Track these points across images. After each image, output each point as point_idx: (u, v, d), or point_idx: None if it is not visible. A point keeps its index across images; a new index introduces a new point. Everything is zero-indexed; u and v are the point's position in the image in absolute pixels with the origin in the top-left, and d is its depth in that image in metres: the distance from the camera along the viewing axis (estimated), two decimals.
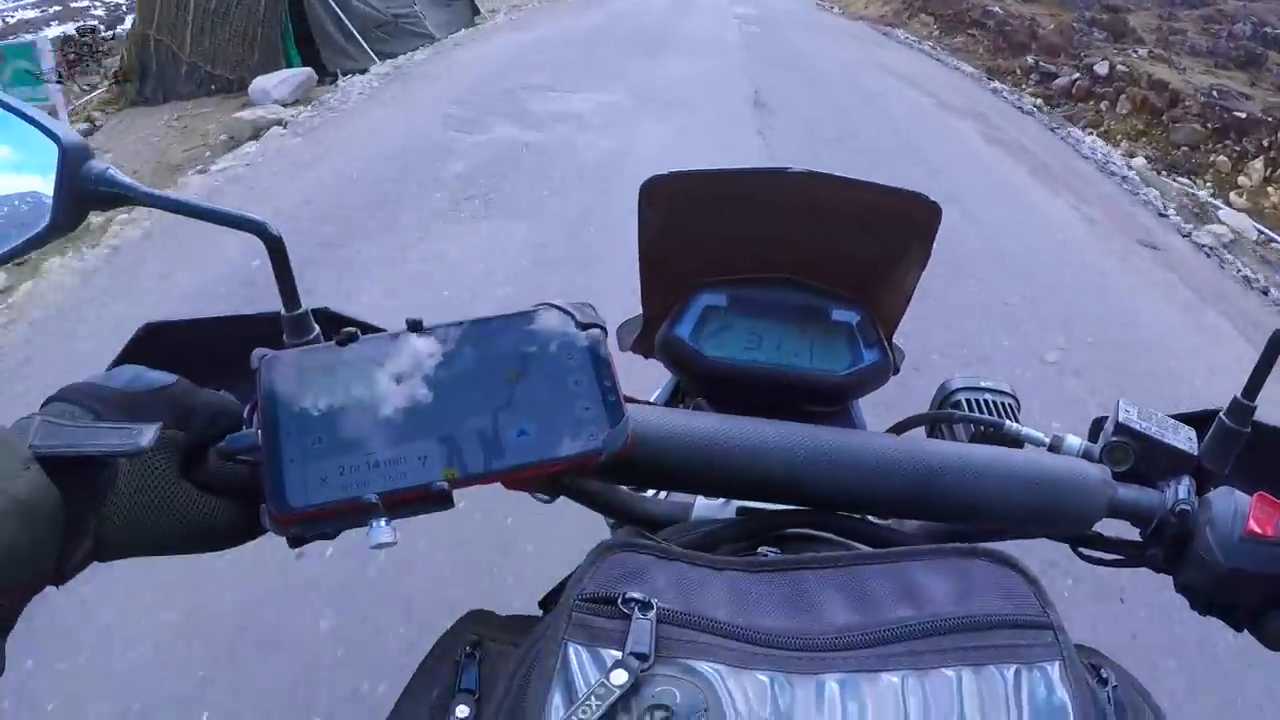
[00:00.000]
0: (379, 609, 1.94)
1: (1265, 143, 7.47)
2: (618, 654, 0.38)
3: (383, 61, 7.52)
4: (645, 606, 0.40)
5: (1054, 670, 0.39)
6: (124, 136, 6.83)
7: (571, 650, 0.39)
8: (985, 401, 0.72)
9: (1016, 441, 0.64)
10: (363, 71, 7.34)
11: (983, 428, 0.67)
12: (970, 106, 7.98)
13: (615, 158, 5.12)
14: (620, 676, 0.37)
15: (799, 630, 0.41)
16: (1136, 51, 10.65)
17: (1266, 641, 0.55)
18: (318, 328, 0.52)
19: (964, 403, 0.72)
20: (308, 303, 0.52)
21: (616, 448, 0.45)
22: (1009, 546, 0.51)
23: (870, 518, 0.61)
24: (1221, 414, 0.59)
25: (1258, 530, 0.52)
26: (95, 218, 3.68)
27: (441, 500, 0.42)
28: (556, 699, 0.37)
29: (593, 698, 0.36)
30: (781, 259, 0.67)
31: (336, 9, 7.55)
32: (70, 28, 12.70)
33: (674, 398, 0.94)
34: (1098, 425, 0.65)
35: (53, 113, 5.54)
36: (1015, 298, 3.95)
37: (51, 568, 0.37)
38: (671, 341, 0.68)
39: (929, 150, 6.23)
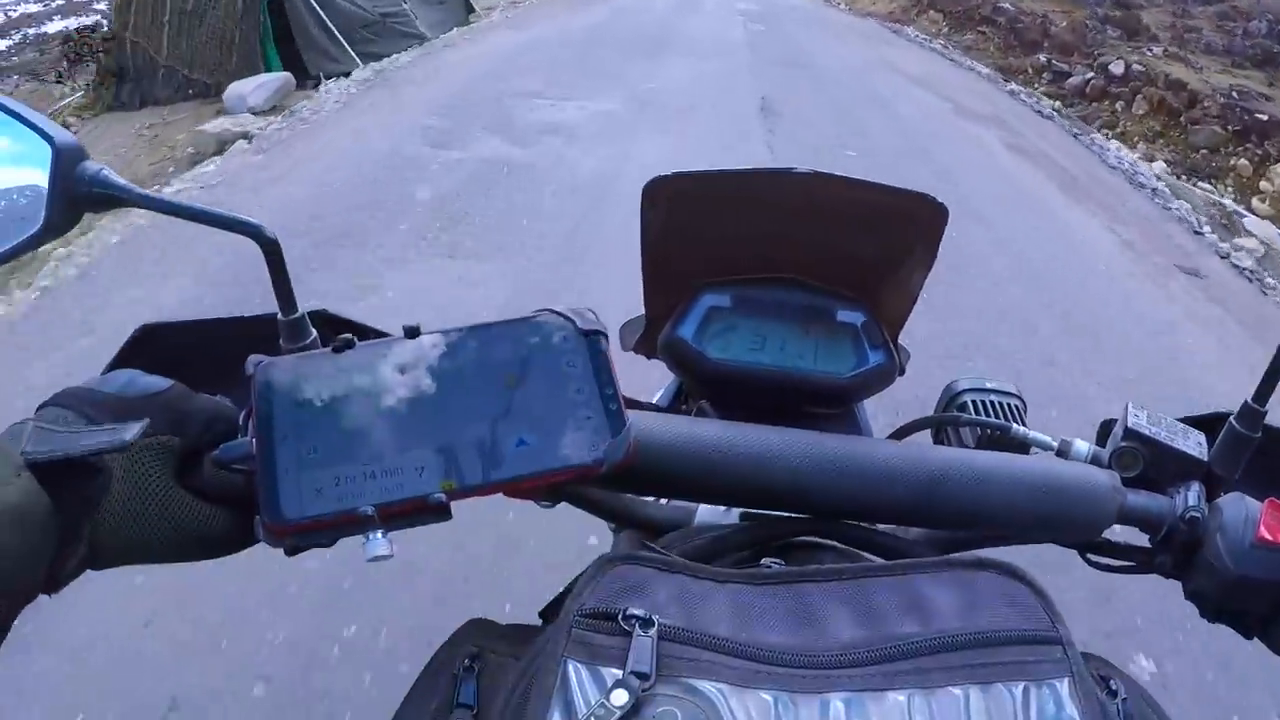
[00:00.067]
0: None
1: None
2: (618, 673, 0.36)
3: (367, 65, 6.85)
4: (646, 623, 0.38)
5: (1063, 687, 0.37)
6: (94, 146, 6.18)
7: (571, 668, 0.37)
8: (991, 403, 0.70)
9: (1023, 445, 0.62)
10: (346, 74, 6.68)
11: (989, 431, 0.65)
12: (989, 111, 7.31)
13: (606, 181, 4.46)
14: (621, 697, 0.35)
15: (803, 647, 0.39)
16: (1151, 50, 10.36)
17: (1277, 649, 0.53)
18: (315, 332, 0.51)
19: (970, 404, 0.70)
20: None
21: (618, 458, 0.42)
22: (1012, 551, 0.56)
23: (875, 525, 0.57)
24: (1232, 419, 0.57)
25: (1268, 537, 0.50)
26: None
27: (439, 512, 0.40)
28: (556, 718, 0.35)
29: (592, 718, 0.35)
30: (786, 259, 0.64)
31: (318, 9, 6.87)
32: (72, 23, 12.19)
33: (677, 399, 0.87)
34: (1105, 428, 0.63)
35: None
36: (1064, 354, 3.32)
37: (44, 575, 0.36)
38: (674, 342, 0.65)
39: (949, 160, 5.58)
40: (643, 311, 0.68)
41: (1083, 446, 0.60)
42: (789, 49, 8.70)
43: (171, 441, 0.41)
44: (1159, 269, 4.55)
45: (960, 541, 0.64)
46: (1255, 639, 0.54)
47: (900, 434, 0.66)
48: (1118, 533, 0.57)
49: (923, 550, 0.59)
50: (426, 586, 1.90)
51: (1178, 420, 0.60)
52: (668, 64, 7.37)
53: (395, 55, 7.12)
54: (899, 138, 6.00)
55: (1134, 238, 4.92)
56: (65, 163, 0.44)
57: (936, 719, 0.36)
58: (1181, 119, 8.40)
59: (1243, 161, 7.29)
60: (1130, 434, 0.57)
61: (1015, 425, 0.63)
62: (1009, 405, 0.70)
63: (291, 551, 0.40)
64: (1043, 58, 10.34)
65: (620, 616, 0.39)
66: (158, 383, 0.43)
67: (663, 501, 0.69)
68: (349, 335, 0.43)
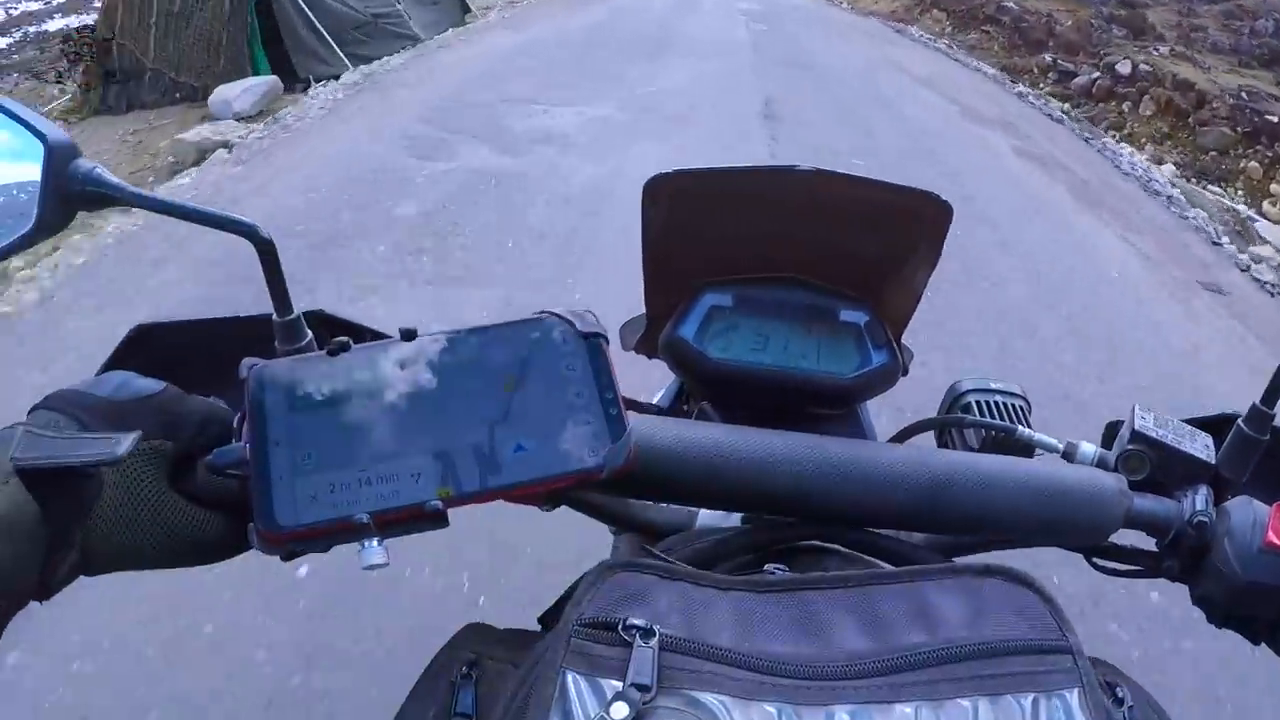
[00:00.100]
0: None
1: None
2: (618, 684, 0.35)
3: (356, 68, 6.54)
4: (647, 634, 0.37)
5: (1073, 698, 0.36)
6: None
7: (570, 679, 0.35)
8: (996, 404, 0.68)
9: (1028, 448, 0.61)
10: (336, 77, 6.38)
11: (994, 432, 0.63)
12: (997, 114, 6.98)
13: (599, 197, 4.15)
14: (621, 710, 0.34)
15: (808, 657, 0.38)
16: (1158, 49, 10.16)
17: None
18: (310, 333, 0.50)
19: (974, 405, 0.68)
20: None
21: (618, 464, 0.41)
22: (1016, 554, 0.57)
23: (879, 530, 0.56)
24: (1240, 421, 0.56)
25: (1277, 542, 0.48)
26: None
27: (435, 519, 0.38)
28: None
29: None
30: (788, 258, 0.63)
31: (306, 10, 6.55)
32: (73, 21, 11.90)
33: (678, 399, 0.82)
34: (1111, 430, 0.61)
35: None
36: (1087, 390, 3.02)
37: (34, 582, 0.35)
38: (675, 342, 0.64)
39: (959, 166, 5.29)
40: (643, 311, 0.67)
41: (1089, 449, 0.59)
42: (792, 49, 8.36)
43: (164, 446, 0.40)
44: (1179, 284, 4.27)
45: (965, 545, 0.63)
46: (1262, 645, 0.53)
47: (904, 435, 0.64)
48: (1123, 536, 0.56)
49: (928, 555, 0.57)
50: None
51: (1184, 422, 0.58)
52: (669, 65, 7.05)
53: (386, 58, 6.81)
54: (906, 141, 5.70)
55: (1152, 249, 4.64)
56: (58, 161, 0.42)
57: None
58: (1190, 120, 8.18)
59: (1253, 164, 7.06)
60: (1137, 437, 0.56)
61: (1021, 427, 0.62)
62: (1014, 406, 0.68)
63: (288, 556, 0.39)
64: (1048, 57, 10.13)
65: (620, 626, 0.37)
66: (151, 385, 0.41)
67: (664, 504, 0.66)
68: (344, 338, 0.41)
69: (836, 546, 0.56)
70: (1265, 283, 4.59)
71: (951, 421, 0.66)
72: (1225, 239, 5.18)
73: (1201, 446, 0.56)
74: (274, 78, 6.20)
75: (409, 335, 0.42)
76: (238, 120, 5.65)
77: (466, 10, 8.86)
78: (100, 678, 1.62)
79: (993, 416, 0.67)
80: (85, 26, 9.49)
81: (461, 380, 0.41)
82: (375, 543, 0.37)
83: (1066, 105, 8.25)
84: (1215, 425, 0.59)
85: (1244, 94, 7.99)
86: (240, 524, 0.41)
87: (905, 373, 0.67)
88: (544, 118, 5.25)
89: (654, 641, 0.37)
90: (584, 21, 8.71)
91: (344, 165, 4.28)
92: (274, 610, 1.77)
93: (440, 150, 4.54)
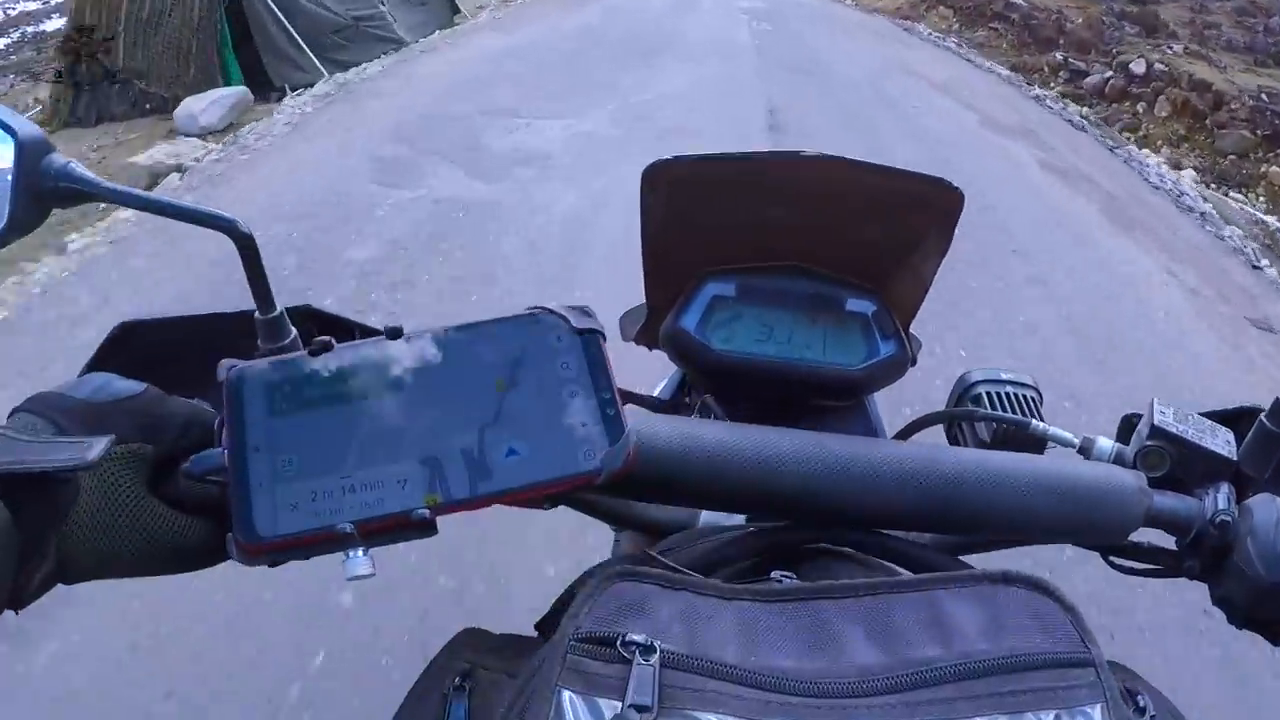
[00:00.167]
0: None
1: None
2: (616, 705, 0.32)
3: (331, 76, 5.92)
4: (647, 650, 0.34)
5: (1096, 713, 0.33)
6: None
7: (566, 699, 0.32)
8: (1008, 395, 0.65)
9: (1041, 442, 0.58)
10: (311, 85, 5.78)
11: (1006, 426, 0.60)
12: (1016, 121, 6.35)
13: (580, 229, 3.56)
14: None
15: (817, 672, 0.35)
16: (1171, 48, 9.74)
17: None
18: (294, 331, 0.45)
19: (985, 397, 0.65)
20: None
21: (616, 467, 0.38)
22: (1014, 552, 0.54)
23: (887, 531, 0.52)
24: (1262, 416, 0.53)
25: None
26: None
27: (423, 528, 0.35)
28: None
29: None
30: (792, 246, 0.60)
31: (279, 15, 5.93)
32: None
33: (679, 391, 0.77)
34: (1127, 424, 0.58)
35: None
36: None
37: (6, 591, 0.32)
38: (677, 333, 0.60)
39: (983, 183, 4.68)
40: (643, 301, 0.64)
41: (1106, 445, 0.56)
42: (797, 51, 7.70)
43: (144, 450, 0.37)
44: (1228, 322, 3.71)
45: (976, 545, 0.60)
46: None
47: (912, 429, 0.62)
48: (1140, 533, 0.52)
49: (938, 557, 0.52)
50: None
51: (1203, 416, 0.55)
52: (666, 71, 6.42)
53: (364, 65, 6.19)
54: (923, 152, 5.11)
55: (1194, 280, 4.07)
56: (29, 156, 0.39)
57: None
58: (1207, 122, 7.71)
59: (1274, 169, 6.62)
60: (1157, 432, 0.53)
61: (1034, 421, 0.58)
62: (1026, 398, 0.65)
63: (272, 564, 0.36)
64: (1059, 55, 9.64)
65: (619, 642, 0.34)
66: (131, 387, 0.39)
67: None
68: (327, 338, 0.39)
69: (844, 549, 0.52)
70: None
71: (962, 415, 0.63)
72: (1265, 261, 4.64)
73: (1222, 442, 0.53)
74: (242, 89, 5.60)
75: (395, 334, 0.39)
76: (203, 136, 5.08)
77: (456, 11, 8.18)
78: None
79: (1004, 408, 0.63)
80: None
81: (450, 380, 0.38)
82: (360, 553, 0.34)
83: (1085, 109, 7.66)
84: (1235, 420, 0.56)
85: (1264, 95, 7.54)
86: (224, 530, 0.36)
87: (914, 363, 0.63)
88: (525, 134, 4.65)
89: (654, 659, 0.33)
90: (578, 22, 8.04)
91: (300, 194, 3.70)
92: None
93: (408, 175, 3.95)
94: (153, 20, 6.05)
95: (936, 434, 0.60)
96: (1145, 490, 0.50)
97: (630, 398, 0.51)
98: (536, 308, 0.41)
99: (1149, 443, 0.53)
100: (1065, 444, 0.56)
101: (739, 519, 0.58)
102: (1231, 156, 7.06)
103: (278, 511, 0.34)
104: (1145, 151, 6.61)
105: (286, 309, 0.46)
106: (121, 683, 1.56)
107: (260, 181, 3.90)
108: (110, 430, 0.35)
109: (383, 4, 6.99)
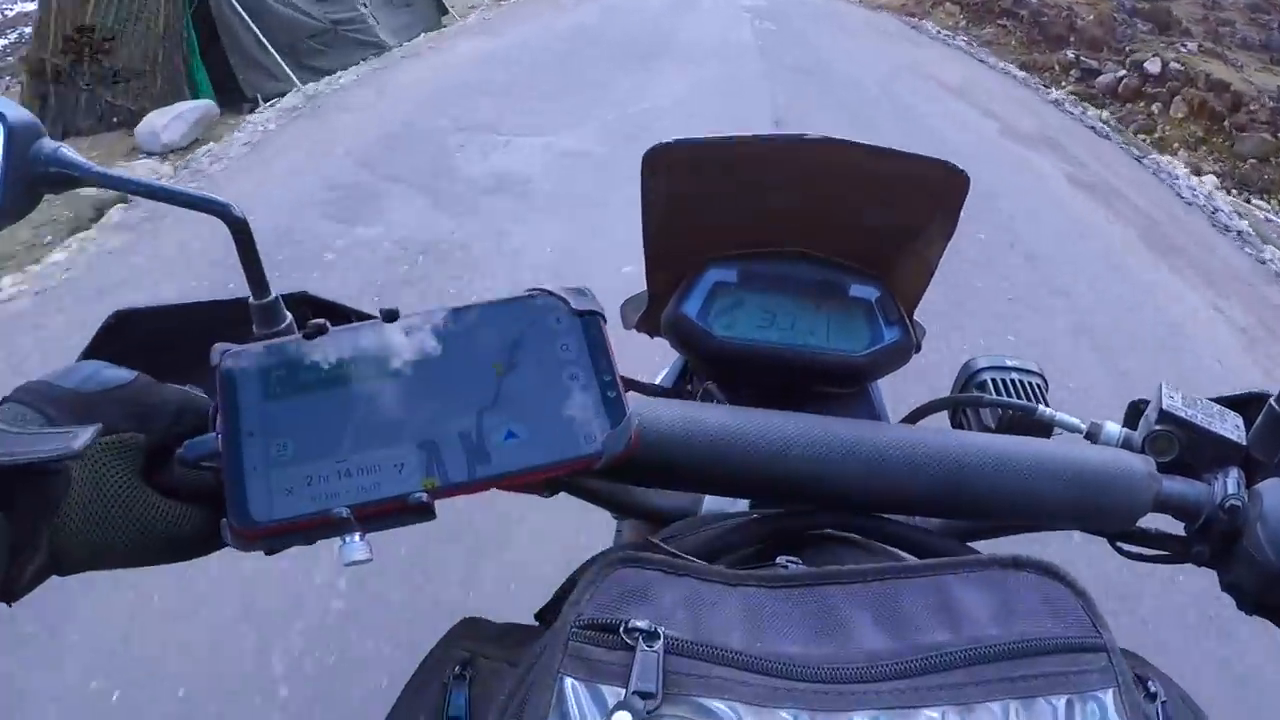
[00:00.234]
0: None
1: None
2: (620, 691, 0.30)
3: (305, 85, 5.35)
4: (651, 636, 0.32)
5: (1108, 699, 0.31)
6: None
7: (568, 686, 0.31)
8: (1013, 382, 0.63)
9: (1048, 428, 0.56)
10: (279, 95, 5.22)
11: (1011, 412, 0.59)
12: (1036, 128, 5.77)
13: (560, 279, 3.01)
14: (623, 719, 0.29)
15: (825, 658, 0.33)
16: (1185, 45, 9.22)
17: None
18: (290, 316, 0.44)
19: (990, 383, 0.63)
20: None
21: (618, 450, 0.36)
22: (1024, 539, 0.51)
23: (894, 516, 0.51)
24: (1272, 400, 0.51)
25: None
26: None
27: (420, 512, 0.34)
28: None
29: None
30: (796, 231, 0.57)
31: (249, 20, 5.35)
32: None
33: (681, 379, 0.75)
34: (1135, 410, 0.56)
35: None
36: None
37: None
38: (679, 320, 0.58)
39: (1010, 205, 4.15)
40: (644, 288, 0.61)
41: (1113, 430, 0.54)
42: (803, 52, 7.10)
43: (135, 439, 0.36)
44: None
45: (983, 530, 0.57)
46: None
47: (917, 415, 0.59)
48: (1148, 520, 0.50)
49: (946, 543, 0.50)
50: None
51: (1212, 401, 0.54)
52: (664, 75, 5.85)
53: (338, 74, 5.61)
54: None
55: (1242, 316, 3.55)
56: (19, 141, 0.37)
57: None
58: (1225, 124, 7.21)
59: None
60: (1165, 416, 0.51)
61: (1041, 406, 0.57)
62: (1031, 384, 0.63)
63: (268, 552, 0.35)
64: (1070, 54, 9.07)
65: (622, 628, 0.32)
66: (121, 375, 0.37)
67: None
68: (321, 320, 0.37)
69: (850, 535, 0.50)
70: None
71: (968, 400, 0.62)
72: None
73: (1232, 427, 0.51)
74: (207, 103, 5.04)
75: (391, 317, 0.37)
76: (165, 154, 4.57)
77: (444, 12, 7.56)
78: None
79: (1009, 395, 0.62)
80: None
81: (448, 363, 0.37)
82: (356, 538, 0.33)
83: (1105, 113, 7.10)
84: (1243, 405, 0.54)
85: None
86: (219, 517, 0.35)
87: (918, 350, 0.61)
88: (503, 154, 4.09)
89: (658, 645, 0.32)
90: (572, 22, 7.44)
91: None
92: None
93: (366, 207, 3.40)
94: (118, 30, 5.50)
95: (941, 421, 0.57)
96: (1154, 475, 0.48)
97: (632, 385, 0.47)
98: (535, 289, 0.39)
99: (1157, 427, 0.51)
100: (1072, 429, 0.54)
101: (742, 505, 0.55)
102: (1252, 160, 6.57)
103: (273, 496, 0.33)
104: (1167, 157, 6.07)
105: (282, 295, 0.43)
106: None
107: (206, 219, 3.31)
108: (100, 419, 0.34)
109: (364, 6, 6.39)
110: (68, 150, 0.38)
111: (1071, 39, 9.51)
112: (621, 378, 0.38)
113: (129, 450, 0.35)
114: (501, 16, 7.79)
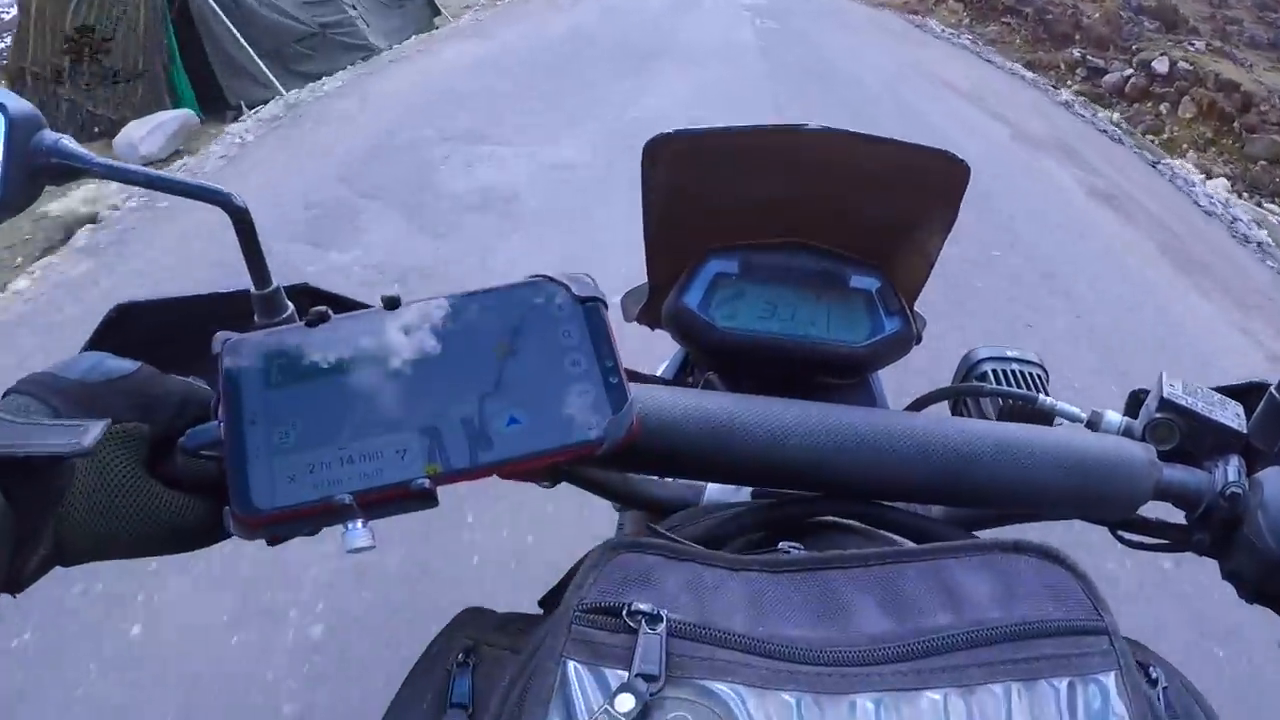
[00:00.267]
0: None
1: None
2: (623, 674, 0.31)
3: (289, 92, 5.09)
4: (654, 619, 0.32)
5: (1110, 681, 0.31)
6: None
7: (571, 669, 0.31)
8: (1014, 372, 0.62)
9: (1049, 417, 0.55)
10: (264, 102, 4.96)
11: (1012, 402, 0.58)
12: (1048, 133, 5.50)
13: None
14: (626, 702, 0.29)
15: (827, 641, 0.33)
16: (1193, 44, 9.00)
17: None
18: (291, 306, 0.44)
19: (991, 374, 0.62)
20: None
21: (619, 436, 0.36)
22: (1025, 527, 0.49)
23: (896, 504, 0.50)
24: (1272, 389, 0.50)
25: None
26: None
27: (423, 499, 0.34)
28: None
29: None
30: (796, 222, 0.57)
31: (231, 27, 5.09)
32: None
33: (683, 370, 0.76)
34: (1135, 399, 0.56)
35: None
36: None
37: (4, 575, 0.31)
38: (680, 311, 0.58)
39: (1027, 226, 3.87)
40: (645, 279, 0.62)
41: (1114, 418, 0.53)
42: (806, 53, 6.83)
43: (139, 429, 0.35)
44: None
45: (986, 519, 0.57)
46: None
47: (918, 405, 0.58)
48: (1149, 508, 0.50)
49: (949, 530, 0.50)
50: None
51: (1213, 389, 0.53)
52: (663, 78, 5.59)
53: (322, 80, 5.33)
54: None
55: (1271, 341, 3.30)
56: (20, 133, 0.37)
57: None
58: (1235, 125, 7.02)
59: None
60: (1166, 405, 0.50)
61: (1042, 395, 0.56)
62: (1032, 375, 0.62)
63: (271, 542, 0.34)
64: (1076, 52, 8.84)
65: (625, 611, 0.32)
66: (125, 366, 0.37)
67: (669, 479, 0.59)
68: (323, 308, 0.37)
69: (852, 522, 0.50)
70: None
71: (969, 390, 0.61)
72: None
73: (1232, 415, 0.51)
74: (186, 112, 4.79)
75: (392, 303, 0.37)
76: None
77: (436, 13, 7.27)
78: None
79: (1011, 386, 0.61)
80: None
81: (449, 350, 0.36)
82: (359, 524, 0.33)
83: (1116, 116, 6.85)
84: (1244, 394, 0.53)
85: None
86: (222, 508, 0.35)
87: (919, 340, 0.61)
88: (489, 167, 3.82)
89: (661, 627, 0.32)
90: (569, 23, 7.16)
91: (213, 260, 2.87)
92: None
93: (343, 229, 3.15)
94: (99, 38, 5.24)
95: (942, 411, 0.55)
96: (1155, 463, 0.48)
97: (633, 376, 0.45)
98: (537, 275, 0.39)
99: (1158, 415, 0.51)
100: (1073, 419, 0.54)
101: (744, 494, 0.56)
102: (1262, 162, 6.40)
103: (275, 484, 0.33)
104: (1180, 162, 5.80)
105: (283, 287, 0.43)
106: None
107: (173, 241, 3.10)
108: (104, 410, 0.34)
109: (353, 9, 6.12)
110: (69, 141, 0.38)
111: (1077, 37, 9.26)
112: (623, 367, 0.37)
113: (133, 441, 0.35)
114: (495, 18, 7.50)
